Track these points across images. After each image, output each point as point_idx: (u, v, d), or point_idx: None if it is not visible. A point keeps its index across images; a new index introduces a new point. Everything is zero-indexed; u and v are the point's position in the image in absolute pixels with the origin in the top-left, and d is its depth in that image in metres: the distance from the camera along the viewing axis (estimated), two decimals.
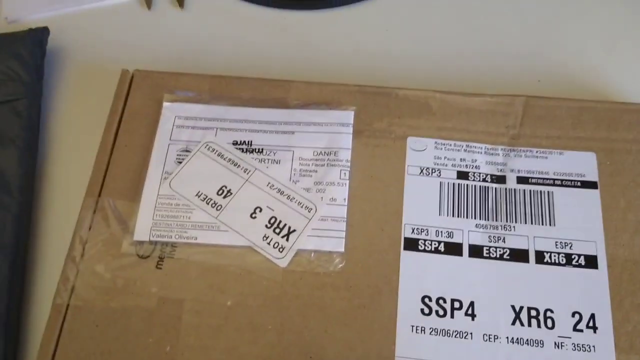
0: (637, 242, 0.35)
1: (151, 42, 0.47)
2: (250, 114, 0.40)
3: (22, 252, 0.39)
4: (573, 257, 0.35)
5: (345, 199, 0.37)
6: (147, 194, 0.38)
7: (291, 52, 0.46)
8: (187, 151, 0.39)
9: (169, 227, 0.37)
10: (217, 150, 0.39)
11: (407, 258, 0.36)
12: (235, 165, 0.38)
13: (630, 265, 0.35)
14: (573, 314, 0.34)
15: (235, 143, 0.39)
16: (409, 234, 0.36)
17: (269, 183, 0.38)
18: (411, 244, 0.36)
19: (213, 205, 0.37)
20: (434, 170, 0.38)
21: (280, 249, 0.36)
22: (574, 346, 0.33)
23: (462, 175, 0.38)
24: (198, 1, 0.49)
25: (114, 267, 0.36)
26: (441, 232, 0.36)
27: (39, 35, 0.45)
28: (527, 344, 0.33)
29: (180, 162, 0.39)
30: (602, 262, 0.35)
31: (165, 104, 0.40)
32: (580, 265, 0.35)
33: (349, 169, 0.38)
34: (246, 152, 0.39)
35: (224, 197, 0.37)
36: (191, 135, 0.39)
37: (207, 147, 0.39)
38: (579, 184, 0.37)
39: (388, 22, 0.47)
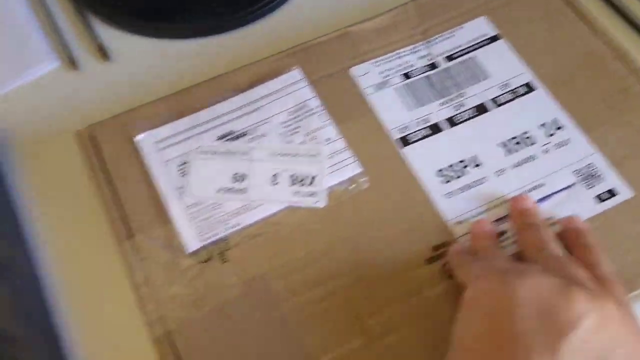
0: (548, 60, 0.45)
1: (88, 97, 0.48)
2: (216, 110, 0.44)
3: (53, 328, 0.39)
4: (516, 90, 0.44)
5: (337, 134, 0.43)
6: (175, 212, 0.40)
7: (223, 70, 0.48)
8: (184, 163, 0.42)
9: (212, 226, 0.40)
10: (209, 150, 0.42)
11: (408, 152, 0.42)
12: (232, 154, 0.42)
13: (553, 75, 0.45)
14: (540, 126, 0.43)
15: (220, 138, 0.43)
16: (398, 135, 0.43)
17: (269, 153, 0.42)
18: (404, 141, 0.43)
19: (236, 192, 0.41)
20: (384, 84, 0.45)
21: (313, 195, 0.41)
22: (556, 146, 0.42)
23: (406, 76, 0.45)
24: (121, 50, 0.50)
25: (187, 282, 0.38)
26: (418, 121, 0.43)
27: None
28: (526, 162, 0.41)
29: (185, 175, 0.41)
30: (536, 83, 0.44)
31: (138, 138, 0.43)
32: (525, 93, 0.44)
33: (323, 111, 0.44)
34: (234, 140, 0.43)
35: (242, 181, 0.41)
36: (179, 149, 0.42)
37: (199, 151, 0.42)
38: (487, 41, 0.47)
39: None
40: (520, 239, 0.38)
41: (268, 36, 0.50)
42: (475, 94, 0.44)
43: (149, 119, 0.44)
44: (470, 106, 0.44)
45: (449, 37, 0.47)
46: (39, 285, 0.40)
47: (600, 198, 0.40)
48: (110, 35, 0.51)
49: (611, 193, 0.40)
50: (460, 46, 0.47)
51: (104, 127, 0.44)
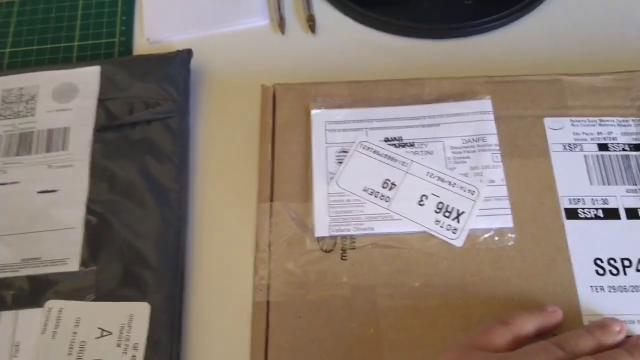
0: None
1: (284, 62, 0.50)
2: (393, 112, 0.43)
3: (183, 262, 0.41)
4: None
5: (502, 179, 0.40)
6: (318, 194, 0.40)
7: (417, 74, 0.47)
8: (344, 152, 0.42)
9: (346, 221, 0.39)
10: (372, 148, 0.42)
11: (571, 226, 0.39)
12: (392, 159, 0.41)
13: None
14: None
15: (387, 140, 0.42)
16: (567, 205, 0.39)
17: (428, 172, 0.41)
18: (572, 214, 0.39)
19: (381, 197, 0.40)
20: (575, 145, 0.41)
21: (454, 231, 0.39)
22: None
23: (602, 147, 0.41)
24: (328, 28, 0.52)
25: (303, 263, 0.39)
26: (596, 200, 0.39)
27: (184, 57, 0.48)
28: None
29: (341, 162, 0.41)
30: None
31: (314, 112, 0.44)
32: None
33: (499, 152, 0.41)
34: (399, 147, 0.42)
35: (390, 189, 0.40)
36: (344, 137, 0.43)
37: (362, 146, 0.42)
38: None
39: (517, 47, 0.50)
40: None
41: (474, 56, 0.49)
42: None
43: (330, 97, 0.44)
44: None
45: None
46: (184, 221, 0.43)
47: None
48: (326, 12, 0.53)
49: None
50: None
51: (287, 89, 0.45)
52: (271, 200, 0.41)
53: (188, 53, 0.49)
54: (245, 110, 0.46)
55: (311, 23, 0.52)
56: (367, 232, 0.39)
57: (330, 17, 0.53)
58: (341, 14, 0.53)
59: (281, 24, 0.52)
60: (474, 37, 0.50)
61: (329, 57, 0.51)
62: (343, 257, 0.39)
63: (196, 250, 0.42)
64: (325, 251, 0.39)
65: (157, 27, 0.53)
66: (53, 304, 0.39)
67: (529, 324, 0.34)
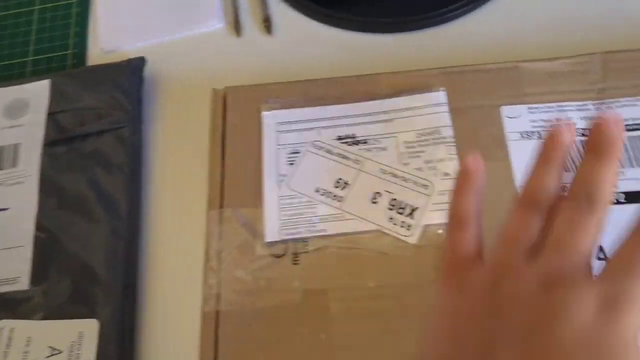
0: None
1: (240, 65, 0.49)
2: (346, 109, 0.42)
3: (134, 274, 0.41)
4: None
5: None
6: (268, 198, 0.39)
7: (376, 70, 0.46)
8: (296, 153, 0.41)
9: (297, 224, 0.38)
10: (324, 148, 0.41)
11: None
12: (345, 158, 0.40)
13: None
14: None
15: (339, 138, 0.41)
16: None
17: (381, 169, 0.40)
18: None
19: (334, 197, 0.39)
20: (533, 133, 0.40)
21: (408, 227, 0.37)
22: None
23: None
24: (285, 28, 0.51)
25: (253, 270, 0.37)
26: None
27: (137, 65, 0.47)
28: None
29: (292, 164, 0.40)
30: None
31: (265, 113, 0.42)
32: None
33: (454, 144, 0.40)
34: (352, 144, 0.41)
35: (342, 188, 0.39)
36: (296, 137, 0.41)
37: (314, 146, 0.41)
38: None
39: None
40: (578, 169, 0.28)
41: (428, 47, 0.47)
42: (634, 178, 0.38)
43: (282, 98, 0.43)
44: (623, 190, 0.37)
45: (629, 105, 0.40)
46: (135, 232, 0.42)
47: None
48: (283, 12, 0.51)
49: None
50: (639, 118, 0.40)
51: (238, 92, 0.44)
52: (221, 207, 0.40)
53: (141, 61, 0.48)
54: (199, 116, 0.45)
55: (267, 24, 0.51)
56: (319, 234, 0.38)
57: (287, 17, 0.52)
58: (298, 13, 0.52)
59: (237, 27, 0.51)
60: (431, 29, 0.49)
61: (286, 57, 0.49)
62: (295, 262, 0.37)
63: (149, 262, 0.41)
64: (276, 256, 0.38)
65: (111, 36, 0.52)
66: (4, 324, 0.39)
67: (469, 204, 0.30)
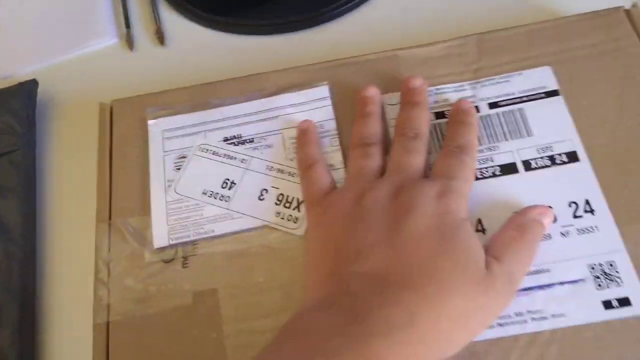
0: (605, 131, 0.39)
1: (134, 78, 0.49)
2: (232, 111, 0.43)
3: (31, 294, 0.40)
4: (555, 157, 0.38)
5: (341, 161, 0.40)
6: (155, 204, 0.39)
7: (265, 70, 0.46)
8: (182, 157, 0.41)
9: (185, 227, 0.38)
10: (210, 150, 0.41)
11: None
12: (231, 158, 0.41)
13: (605, 150, 0.38)
14: (570, 204, 0.37)
15: (225, 139, 0.41)
16: None
17: (267, 166, 0.40)
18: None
19: (221, 198, 0.39)
20: None
21: (295, 220, 0.38)
22: (578, 231, 0.36)
23: (439, 115, 0.41)
24: (178, 37, 0.51)
25: (143, 277, 0.37)
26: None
27: (29, 88, 0.47)
28: None
29: (179, 169, 0.40)
30: (582, 154, 0.38)
31: (150, 122, 0.42)
32: (563, 162, 0.38)
33: (337, 136, 0.41)
34: (238, 144, 0.41)
35: (229, 188, 0.39)
36: (182, 143, 0.42)
37: (201, 149, 0.41)
38: (543, 95, 0.41)
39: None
40: (399, 116, 0.40)
41: (316, 45, 0.48)
42: (509, 151, 0.39)
43: (169, 106, 0.43)
44: (498, 163, 0.39)
45: (501, 82, 0.42)
46: (30, 253, 0.42)
47: (609, 304, 0.33)
48: (175, 22, 0.52)
49: (624, 302, 0.33)
50: (511, 94, 0.41)
51: (125, 104, 0.44)
52: (110, 218, 0.39)
53: (33, 84, 0.48)
54: (91, 133, 0.45)
55: (159, 35, 0.51)
56: (207, 235, 0.38)
57: (179, 26, 0.52)
58: (190, 21, 0.52)
59: (129, 40, 0.51)
60: (319, 28, 0.50)
61: (179, 66, 0.50)
62: (184, 265, 0.38)
63: (45, 281, 0.41)
64: (166, 262, 0.38)
65: (5, 61, 0.52)
66: None
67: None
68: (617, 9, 0.43)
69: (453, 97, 0.42)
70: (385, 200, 0.34)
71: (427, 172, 0.37)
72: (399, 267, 0.31)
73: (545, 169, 0.38)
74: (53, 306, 0.40)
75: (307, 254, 0.36)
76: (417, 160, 0.36)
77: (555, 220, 0.36)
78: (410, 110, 0.39)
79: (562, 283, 0.34)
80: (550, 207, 0.36)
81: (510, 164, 0.38)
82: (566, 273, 0.34)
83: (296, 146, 0.40)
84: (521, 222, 0.35)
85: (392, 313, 0.29)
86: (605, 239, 0.35)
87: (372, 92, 0.40)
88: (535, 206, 0.36)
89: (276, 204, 0.39)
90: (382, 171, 0.37)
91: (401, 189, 0.34)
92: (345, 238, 0.33)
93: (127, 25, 0.53)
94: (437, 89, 0.42)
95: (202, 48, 0.51)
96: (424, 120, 0.38)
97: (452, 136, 0.38)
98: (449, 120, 0.39)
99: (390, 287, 0.30)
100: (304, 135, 0.40)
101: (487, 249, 0.33)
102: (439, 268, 0.30)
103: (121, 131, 0.43)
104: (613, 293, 0.33)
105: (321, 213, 0.36)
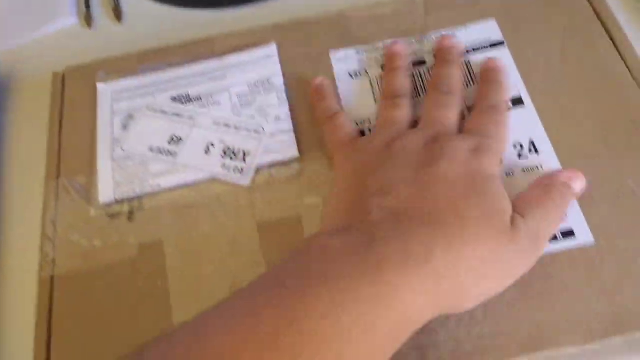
0: (549, 78, 0.39)
1: (92, 56, 0.49)
2: (181, 72, 0.43)
3: None
4: None
5: (287, 114, 0.40)
6: (102, 162, 0.39)
7: None
8: (130, 117, 0.41)
9: (131, 183, 0.38)
10: (158, 109, 0.41)
11: None
12: (178, 116, 0.41)
13: (549, 95, 0.38)
14: (514, 146, 0.37)
15: (174, 99, 0.41)
16: (354, 126, 0.39)
17: (214, 122, 0.40)
18: (362, 134, 0.38)
19: (167, 153, 0.39)
20: (360, 72, 0.41)
21: (240, 171, 0.38)
22: (523, 170, 0.36)
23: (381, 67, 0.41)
24: (134, 14, 0.51)
25: (88, 232, 0.37)
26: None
27: None
28: None
29: (126, 128, 0.40)
30: (526, 99, 0.38)
31: (100, 85, 0.42)
32: (509, 108, 0.38)
33: (284, 90, 0.41)
34: (186, 103, 0.41)
35: (176, 144, 0.39)
36: (131, 104, 0.41)
37: (148, 108, 0.41)
38: (488, 47, 0.41)
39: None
40: (432, 73, 0.40)
41: (267, 15, 0.48)
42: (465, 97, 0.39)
43: (118, 71, 0.43)
44: None
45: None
46: None
47: (554, 237, 0.33)
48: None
49: (568, 234, 0.33)
50: None
51: (76, 71, 0.44)
52: (58, 177, 0.39)
53: None
54: (46, 103, 0.45)
55: (117, 12, 0.51)
56: (153, 189, 0.38)
57: (136, 4, 0.52)
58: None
59: (87, 19, 0.51)
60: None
61: (136, 42, 0.49)
62: (130, 219, 0.37)
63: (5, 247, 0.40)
64: (111, 216, 0.37)
65: None
66: None
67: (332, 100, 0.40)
68: None
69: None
70: (418, 148, 0.33)
71: (460, 129, 0.36)
72: (423, 205, 0.30)
73: None
74: (7, 266, 0.39)
75: (334, 188, 0.35)
76: (451, 114, 0.36)
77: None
78: (444, 68, 0.39)
79: None
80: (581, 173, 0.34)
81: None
82: None
83: (312, 102, 0.40)
84: (549, 183, 0.33)
85: (410, 245, 0.28)
86: None
87: (400, 47, 0.41)
88: (565, 169, 0.35)
89: (222, 156, 0.38)
90: (411, 123, 0.37)
91: (435, 139, 0.34)
92: (372, 173, 0.33)
93: (87, 5, 0.53)
94: (385, 43, 0.42)
95: (157, 23, 0.51)
96: (457, 77, 0.38)
97: (484, 94, 0.38)
98: (480, 79, 0.39)
99: (412, 221, 0.29)
100: (321, 89, 0.40)
101: (514, 206, 0.31)
102: (464, 212, 0.29)
103: (73, 96, 0.43)
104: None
105: (350, 153, 0.36)
